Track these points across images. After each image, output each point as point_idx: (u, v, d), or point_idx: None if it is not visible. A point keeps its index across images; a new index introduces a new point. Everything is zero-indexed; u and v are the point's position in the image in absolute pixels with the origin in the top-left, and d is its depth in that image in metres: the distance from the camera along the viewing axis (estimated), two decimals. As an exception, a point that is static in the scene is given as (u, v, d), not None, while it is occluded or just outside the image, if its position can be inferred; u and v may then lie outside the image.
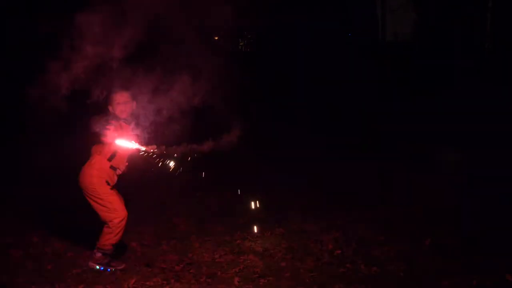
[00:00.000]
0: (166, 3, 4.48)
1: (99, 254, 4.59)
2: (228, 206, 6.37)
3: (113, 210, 4.55)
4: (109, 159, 4.57)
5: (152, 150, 4.55)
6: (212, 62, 4.84)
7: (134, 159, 4.68)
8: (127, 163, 4.67)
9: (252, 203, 6.22)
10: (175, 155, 4.66)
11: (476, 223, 5.50)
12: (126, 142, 4.44)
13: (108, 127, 4.35)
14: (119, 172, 4.64)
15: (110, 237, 4.57)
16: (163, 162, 4.62)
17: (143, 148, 4.51)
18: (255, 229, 5.53)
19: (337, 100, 12.04)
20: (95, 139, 4.46)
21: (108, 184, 4.58)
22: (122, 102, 4.54)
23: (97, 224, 4.69)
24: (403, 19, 16.90)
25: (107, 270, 4.55)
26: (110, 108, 4.54)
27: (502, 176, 6.96)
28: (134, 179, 5.25)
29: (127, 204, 4.92)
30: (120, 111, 4.54)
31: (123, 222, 4.58)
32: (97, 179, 4.55)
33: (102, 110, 4.52)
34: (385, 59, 15.22)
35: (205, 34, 5.11)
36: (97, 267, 4.56)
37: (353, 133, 10.26)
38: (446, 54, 14.71)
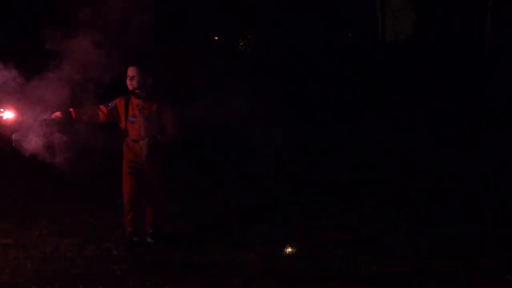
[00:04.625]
0: None
1: None
2: (228, 206, 6.37)
3: None
4: None
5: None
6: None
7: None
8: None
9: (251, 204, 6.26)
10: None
11: (478, 223, 5.55)
12: None
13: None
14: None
15: None
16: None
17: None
18: (255, 229, 5.54)
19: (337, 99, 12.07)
20: None
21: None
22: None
23: (98, 223, 4.71)
24: (403, 19, 16.93)
25: None
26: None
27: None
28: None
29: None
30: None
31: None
32: None
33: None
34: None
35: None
36: None
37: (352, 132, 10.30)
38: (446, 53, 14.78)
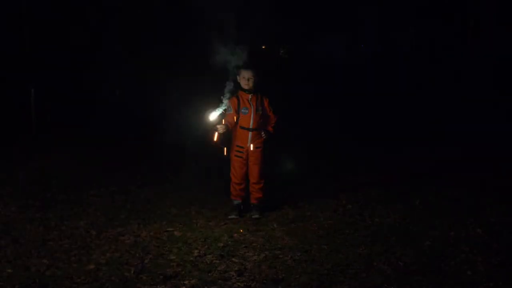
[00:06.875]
0: None
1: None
2: (227, 205, 6.04)
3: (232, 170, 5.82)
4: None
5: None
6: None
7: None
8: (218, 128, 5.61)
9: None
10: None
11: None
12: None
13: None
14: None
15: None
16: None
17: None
18: (255, 228, 5.42)
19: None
20: None
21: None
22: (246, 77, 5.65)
23: (100, 218, 5.35)
24: (402, 25, 17.07)
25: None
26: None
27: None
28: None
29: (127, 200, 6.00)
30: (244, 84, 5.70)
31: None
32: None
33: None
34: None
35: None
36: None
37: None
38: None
